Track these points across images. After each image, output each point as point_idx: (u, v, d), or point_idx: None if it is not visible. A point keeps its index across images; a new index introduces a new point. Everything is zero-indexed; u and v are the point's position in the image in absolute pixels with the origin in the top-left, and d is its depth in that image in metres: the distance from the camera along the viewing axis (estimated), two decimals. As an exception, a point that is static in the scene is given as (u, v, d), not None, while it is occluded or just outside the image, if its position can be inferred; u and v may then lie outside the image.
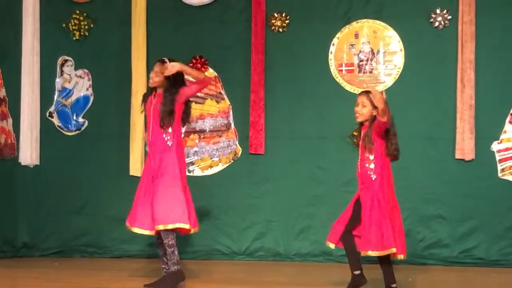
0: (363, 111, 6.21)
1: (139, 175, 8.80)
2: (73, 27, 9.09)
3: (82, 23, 9.08)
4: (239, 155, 8.88)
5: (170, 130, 6.42)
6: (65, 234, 9.01)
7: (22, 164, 9.00)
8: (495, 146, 8.48)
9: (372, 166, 6.17)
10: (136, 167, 8.87)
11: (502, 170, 8.47)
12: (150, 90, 6.65)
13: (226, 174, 8.80)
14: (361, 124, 6.33)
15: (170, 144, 6.42)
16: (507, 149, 8.46)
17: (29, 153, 8.95)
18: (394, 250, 6.06)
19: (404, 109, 8.61)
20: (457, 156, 8.48)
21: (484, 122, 8.46)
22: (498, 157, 8.48)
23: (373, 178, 6.15)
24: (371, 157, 6.17)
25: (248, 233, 8.82)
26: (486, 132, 8.47)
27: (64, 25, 9.10)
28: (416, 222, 8.55)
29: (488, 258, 8.38)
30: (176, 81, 6.47)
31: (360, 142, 6.26)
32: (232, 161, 8.88)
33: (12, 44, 9.03)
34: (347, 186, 8.59)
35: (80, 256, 8.94)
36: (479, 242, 8.45)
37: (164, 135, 6.41)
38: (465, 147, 8.43)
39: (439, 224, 8.53)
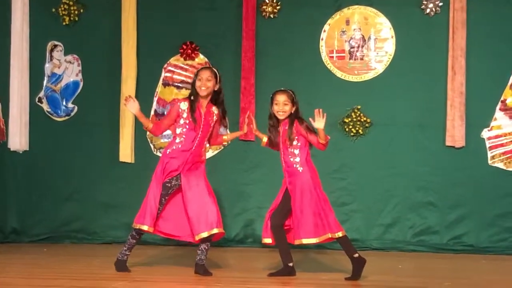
0: (285, 108, 6.39)
1: (128, 161, 8.83)
2: (63, 12, 9.04)
3: (71, 8, 9.03)
4: (229, 142, 8.85)
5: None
6: (55, 220, 8.99)
7: (11, 149, 8.98)
8: (485, 133, 8.49)
9: (297, 159, 6.37)
10: (125, 153, 8.84)
11: (492, 157, 8.48)
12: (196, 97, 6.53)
13: (216, 160, 8.78)
14: (277, 120, 6.47)
15: (203, 158, 6.65)
16: (497, 136, 8.48)
17: (18, 138, 8.92)
18: (329, 235, 6.29)
19: (395, 96, 8.64)
20: (448, 143, 8.49)
21: (474, 109, 8.47)
22: (488, 144, 8.49)
23: (301, 170, 6.34)
24: (296, 151, 6.37)
25: (238, 219, 8.82)
26: (477, 119, 8.48)
27: (53, 10, 9.06)
28: (406, 209, 8.57)
29: (477, 245, 8.41)
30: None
31: (282, 139, 6.40)
32: (222, 147, 8.86)
33: (1, 29, 8.98)
34: (337, 172, 8.62)
35: (69, 242, 8.93)
36: (469, 229, 8.47)
37: (203, 149, 6.58)
38: (455, 134, 8.44)
39: (429, 211, 8.55)
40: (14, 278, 6.30)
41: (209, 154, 8.78)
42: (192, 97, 6.49)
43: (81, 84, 9.11)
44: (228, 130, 8.79)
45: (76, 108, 9.10)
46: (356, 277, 6.23)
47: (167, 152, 6.46)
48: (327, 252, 8.07)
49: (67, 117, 9.13)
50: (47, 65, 9.16)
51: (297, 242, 6.35)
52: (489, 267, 7.47)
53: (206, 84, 6.43)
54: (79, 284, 5.90)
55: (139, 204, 7.94)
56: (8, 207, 9.02)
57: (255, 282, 6.19)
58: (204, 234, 6.33)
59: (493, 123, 8.50)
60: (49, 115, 9.14)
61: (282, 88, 6.51)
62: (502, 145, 8.49)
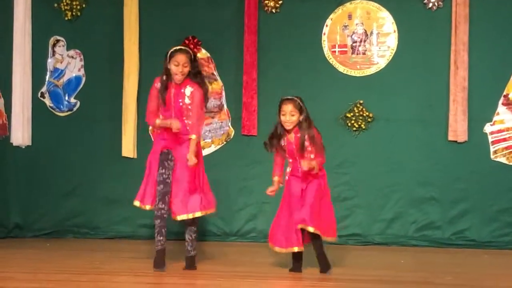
0: (292, 119, 6.24)
1: (131, 156, 8.82)
2: (65, 7, 9.03)
3: (74, 3, 9.02)
4: (231, 137, 8.87)
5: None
6: (57, 215, 8.99)
7: (14, 144, 8.98)
8: (488, 128, 8.49)
9: (313, 163, 6.21)
10: (128, 148, 8.85)
11: (495, 152, 8.48)
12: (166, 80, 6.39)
13: (218, 155, 8.78)
14: (282, 130, 6.32)
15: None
16: (499, 131, 8.47)
17: (20, 133, 8.92)
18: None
19: (397, 91, 8.63)
20: (450, 138, 8.49)
21: (477, 104, 8.47)
22: (491, 139, 8.49)
23: (318, 173, 6.27)
24: (312, 155, 6.25)
25: (240, 214, 8.83)
26: (479, 114, 8.47)
27: (56, 5, 9.05)
28: (408, 204, 8.57)
29: (480, 240, 8.41)
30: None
31: (296, 148, 6.26)
32: (224, 142, 8.87)
33: (3, 24, 8.97)
34: (339, 167, 8.61)
35: (72, 237, 8.94)
36: (471, 224, 8.47)
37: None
38: (458, 129, 8.43)
39: (431, 206, 8.54)
40: (17, 273, 6.31)
41: (211, 149, 8.80)
42: (164, 77, 6.34)
43: (84, 79, 9.11)
44: (230, 123, 8.80)
45: (78, 103, 9.10)
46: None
47: (156, 135, 6.55)
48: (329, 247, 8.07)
49: (69, 112, 9.13)
50: (49, 60, 9.16)
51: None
52: (491, 262, 7.47)
53: (183, 70, 6.28)
54: (81, 279, 5.91)
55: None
56: (10, 202, 9.02)
57: (256, 277, 6.20)
58: (183, 217, 6.31)
59: (495, 118, 8.49)
60: (52, 110, 9.14)
61: (288, 97, 6.29)
62: (504, 139, 8.48)
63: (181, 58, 6.28)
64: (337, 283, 5.97)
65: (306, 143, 6.21)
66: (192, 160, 6.25)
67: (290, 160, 6.41)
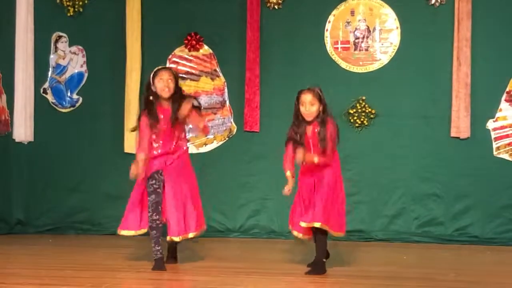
0: (312, 109, 6.10)
1: (133, 152, 8.77)
2: (67, 3, 9.03)
3: (76, -1, 9.02)
4: (234, 133, 8.86)
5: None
6: (60, 211, 9.00)
7: (16, 140, 8.99)
8: (490, 124, 8.47)
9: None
10: (130, 145, 8.81)
11: (498, 148, 8.47)
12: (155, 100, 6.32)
13: (221, 151, 8.79)
14: (303, 119, 6.17)
15: (185, 148, 6.49)
16: (502, 127, 8.46)
17: (23, 129, 8.93)
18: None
19: (400, 87, 8.62)
20: (453, 134, 8.48)
21: (479, 100, 8.46)
22: (493, 135, 8.48)
23: (332, 164, 6.22)
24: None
25: (242, 210, 8.83)
26: (482, 110, 8.46)
27: (58, 1, 9.05)
28: (411, 200, 8.56)
29: (482, 236, 8.40)
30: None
31: (313, 141, 6.14)
32: (227, 138, 8.86)
33: (5, 21, 8.97)
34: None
35: (74, 233, 8.95)
36: (474, 220, 8.46)
37: (174, 142, 6.36)
38: (460, 125, 8.42)
39: (434, 202, 8.54)
40: (19, 269, 6.32)
41: (213, 145, 8.81)
42: (151, 98, 6.28)
43: (86, 75, 9.11)
44: (232, 120, 8.80)
45: (80, 99, 9.11)
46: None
47: (149, 156, 6.29)
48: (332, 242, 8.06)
49: (72, 108, 9.13)
50: (51, 56, 9.16)
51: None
52: (494, 258, 7.46)
53: (169, 85, 6.23)
54: (84, 275, 5.91)
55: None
56: (13, 198, 9.03)
57: (259, 273, 6.19)
58: (176, 239, 6.27)
59: (498, 114, 8.48)
60: (54, 106, 9.14)
61: (308, 87, 6.18)
62: (507, 136, 8.47)
63: (164, 74, 6.26)
64: (339, 279, 5.96)
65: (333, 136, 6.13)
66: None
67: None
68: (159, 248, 6.25)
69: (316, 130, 6.12)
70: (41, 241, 8.30)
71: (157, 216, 6.25)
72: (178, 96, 6.30)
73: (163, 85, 6.22)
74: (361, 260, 6.95)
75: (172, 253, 6.55)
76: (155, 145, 6.33)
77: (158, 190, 6.27)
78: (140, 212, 6.35)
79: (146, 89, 6.36)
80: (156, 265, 6.21)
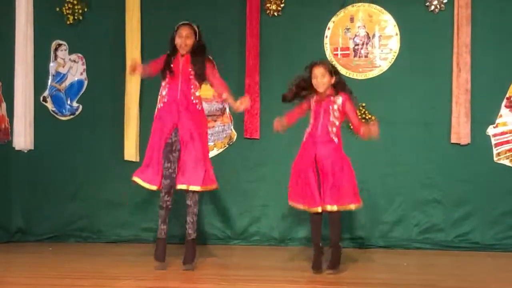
0: (324, 81, 6.43)
1: (133, 160, 8.80)
2: (67, 11, 9.03)
3: (75, 7, 9.02)
4: (234, 140, 8.86)
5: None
6: (60, 219, 8.99)
7: (16, 149, 8.98)
8: (490, 130, 8.47)
9: (335, 130, 6.45)
10: (130, 152, 8.85)
11: (498, 154, 8.46)
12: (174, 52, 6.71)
13: (221, 158, 8.77)
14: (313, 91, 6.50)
15: (199, 108, 6.69)
16: (502, 133, 8.45)
17: (23, 138, 8.93)
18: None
19: (400, 93, 8.62)
20: (453, 140, 8.47)
21: (480, 106, 8.45)
22: (493, 141, 8.47)
23: (336, 141, 6.45)
24: (337, 122, 6.46)
25: (243, 217, 8.81)
26: (482, 116, 8.45)
27: (57, 9, 9.05)
28: (411, 207, 8.55)
29: (483, 242, 8.39)
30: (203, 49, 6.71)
31: (324, 108, 6.43)
32: (227, 145, 8.86)
33: (5, 29, 8.98)
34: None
35: (74, 241, 8.94)
36: (474, 226, 8.45)
37: (192, 98, 6.64)
38: (460, 131, 8.42)
39: (434, 208, 8.53)
40: (19, 278, 6.30)
41: (213, 152, 8.79)
42: (169, 53, 6.69)
43: (86, 83, 9.11)
44: (232, 127, 8.79)
45: (80, 107, 9.11)
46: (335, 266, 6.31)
47: (159, 107, 6.68)
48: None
49: (71, 116, 9.13)
50: (51, 64, 9.16)
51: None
52: (495, 265, 7.45)
53: (185, 42, 6.60)
54: (84, 283, 5.91)
55: (144, 203, 8.01)
56: (13, 206, 9.02)
57: (260, 281, 6.17)
58: (183, 187, 6.44)
59: (498, 120, 8.48)
60: (54, 114, 9.14)
61: (318, 60, 6.53)
62: (508, 142, 8.46)
63: (183, 30, 6.63)
64: (340, 286, 5.95)
65: (350, 111, 6.43)
66: (245, 102, 6.58)
67: (312, 121, 6.49)
68: (164, 227, 6.56)
69: (330, 99, 6.41)
70: (41, 249, 8.29)
71: (169, 198, 6.55)
72: (199, 52, 6.67)
73: (180, 41, 6.61)
74: (362, 267, 6.94)
75: (188, 255, 6.55)
76: (163, 93, 6.66)
77: (173, 175, 6.51)
78: (157, 170, 6.57)
79: (169, 43, 6.73)
80: (157, 247, 6.52)
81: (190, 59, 6.63)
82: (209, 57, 6.89)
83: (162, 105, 6.64)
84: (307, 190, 6.38)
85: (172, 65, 6.63)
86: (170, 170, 6.53)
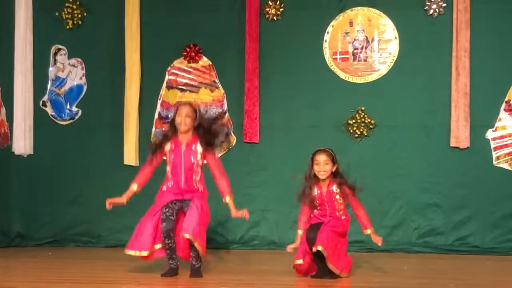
0: (326, 168, 6.47)
1: (133, 164, 8.80)
2: (66, 16, 9.05)
3: (75, 11, 9.04)
4: (233, 144, 8.86)
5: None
6: (59, 223, 8.99)
7: (16, 153, 8.98)
8: (490, 134, 8.47)
9: (342, 211, 6.56)
10: (130, 157, 8.85)
11: (497, 158, 8.46)
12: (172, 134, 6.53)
13: (220, 163, 8.77)
14: (315, 178, 6.49)
15: (201, 190, 6.60)
16: (502, 137, 8.46)
17: (22, 142, 8.93)
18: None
19: (399, 97, 8.63)
20: (452, 144, 8.48)
21: (479, 110, 8.46)
22: (493, 145, 8.47)
23: (343, 218, 6.57)
24: (342, 206, 6.55)
25: (243, 222, 8.76)
26: (481, 120, 8.46)
27: (57, 13, 9.07)
28: (411, 211, 8.55)
29: (483, 246, 8.39)
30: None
31: (327, 198, 6.49)
32: (226, 150, 8.85)
33: (4, 33, 8.99)
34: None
35: (74, 245, 8.93)
36: (474, 230, 8.45)
37: (194, 183, 6.53)
38: (460, 135, 8.42)
39: (434, 212, 8.53)
40: (19, 282, 6.30)
41: (213, 156, 8.77)
42: (170, 133, 6.51)
43: (85, 87, 9.12)
44: (231, 130, 8.77)
45: (80, 111, 9.11)
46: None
47: (163, 190, 6.50)
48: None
49: (71, 121, 9.14)
50: (51, 68, 9.17)
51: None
52: (495, 268, 7.44)
53: (185, 120, 6.39)
54: (83, 288, 5.91)
55: (144, 207, 7.93)
56: (12, 211, 9.02)
57: (260, 285, 6.18)
58: (187, 235, 6.29)
59: (497, 124, 8.49)
60: (53, 118, 9.15)
61: (321, 148, 6.53)
62: (507, 145, 8.47)
63: (182, 109, 6.44)
64: (340, 290, 5.96)
65: (338, 193, 6.50)
66: (245, 215, 6.65)
67: (318, 208, 6.54)
68: (173, 262, 6.44)
69: (331, 188, 6.46)
70: (40, 253, 8.28)
71: (170, 240, 6.38)
72: (201, 131, 6.45)
73: (179, 120, 6.42)
74: (362, 271, 6.93)
75: (193, 271, 6.49)
76: (168, 178, 6.51)
77: (171, 217, 6.38)
78: (153, 237, 6.44)
79: (170, 122, 6.63)
80: (167, 273, 6.41)
81: (194, 144, 6.44)
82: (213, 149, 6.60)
83: (166, 189, 6.49)
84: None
85: (173, 151, 6.45)
86: (168, 214, 6.37)
